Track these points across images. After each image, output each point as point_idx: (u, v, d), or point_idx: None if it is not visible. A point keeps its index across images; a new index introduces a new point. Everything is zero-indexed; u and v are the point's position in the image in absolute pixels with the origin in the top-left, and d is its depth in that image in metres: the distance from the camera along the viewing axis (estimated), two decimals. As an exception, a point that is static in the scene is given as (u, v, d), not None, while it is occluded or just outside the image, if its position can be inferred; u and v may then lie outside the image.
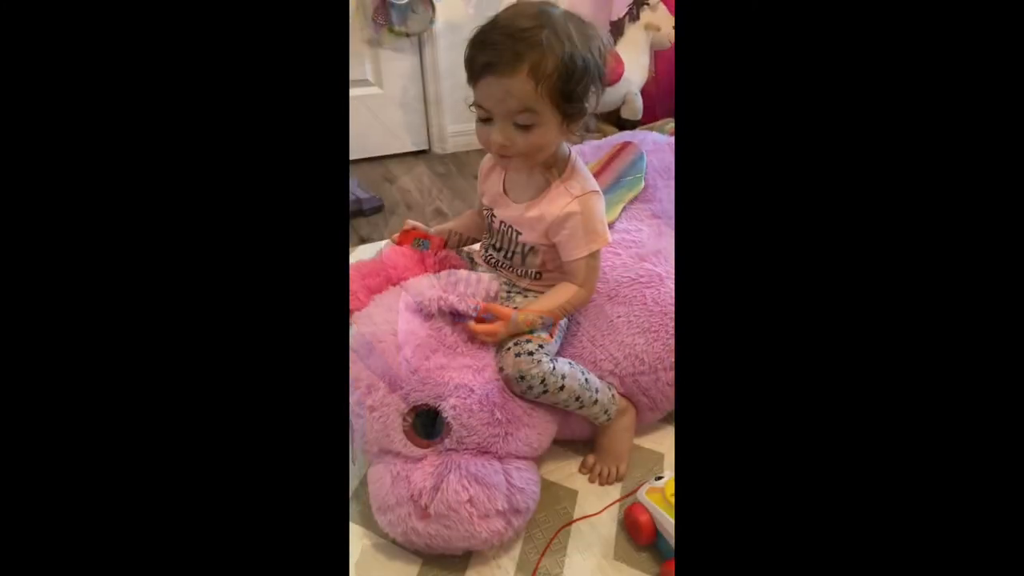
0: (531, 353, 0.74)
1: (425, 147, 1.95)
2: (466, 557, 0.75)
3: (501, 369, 0.74)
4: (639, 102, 1.83)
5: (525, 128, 0.69)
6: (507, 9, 0.70)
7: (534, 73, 0.66)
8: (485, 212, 0.87)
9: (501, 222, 0.83)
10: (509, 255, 0.84)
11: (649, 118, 1.87)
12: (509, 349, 0.74)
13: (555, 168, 0.77)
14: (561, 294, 0.79)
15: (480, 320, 0.74)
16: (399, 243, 0.90)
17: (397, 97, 1.84)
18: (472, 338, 0.74)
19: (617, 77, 1.76)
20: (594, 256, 0.78)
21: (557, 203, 0.76)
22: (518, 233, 0.81)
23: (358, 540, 0.77)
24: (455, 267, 0.86)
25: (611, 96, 1.79)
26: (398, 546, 0.75)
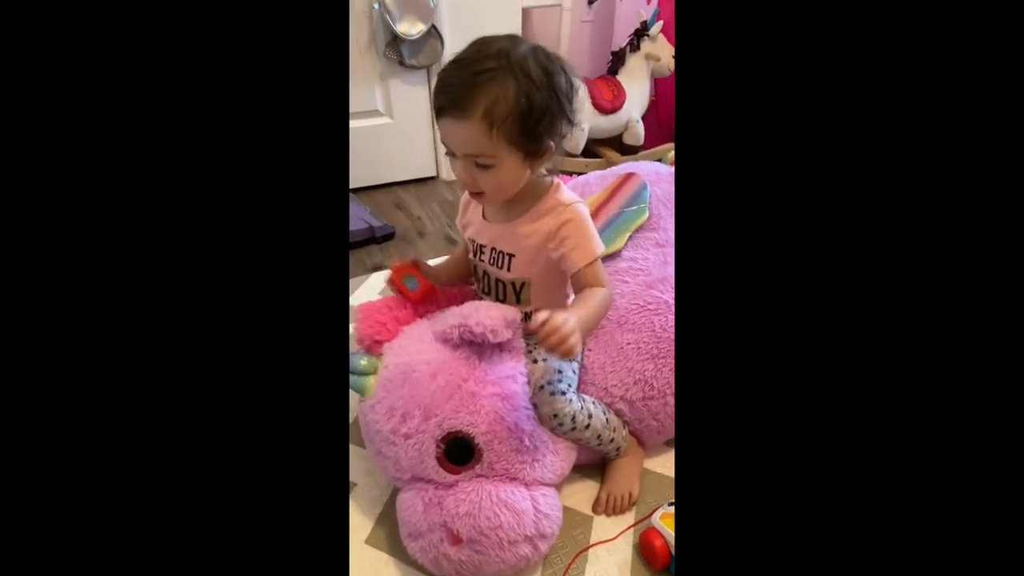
0: (564, 392, 0.77)
1: (433, 174, 2.00)
2: (488, 583, 0.77)
3: (535, 406, 0.76)
4: (641, 128, 1.88)
5: (485, 167, 0.68)
6: (472, 45, 0.68)
7: (488, 116, 0.64)
8: (471, 257, 0.85)
9: (491, 257, 0.81)
10: (501, 296, 0.83)
11: (651, 143, 1.92)
12: (543, 388, 0.76)
13: (536, 194, 0.76)
14: (591, 298, 0.73)
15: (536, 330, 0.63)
16: (391, 280, 0.84)
17: (406, 126, 1.89)
18: (500, 360, 0.75)
19: (619, 105, 1.81)
20: (598, 262, 0.75)
21: (549, 216, 0.75)
22: (510, 257, 0.78)
23: (382, 566, 0.80)
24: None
25: (614, 123, 1.85)
26: (424, 573, 0.77)
